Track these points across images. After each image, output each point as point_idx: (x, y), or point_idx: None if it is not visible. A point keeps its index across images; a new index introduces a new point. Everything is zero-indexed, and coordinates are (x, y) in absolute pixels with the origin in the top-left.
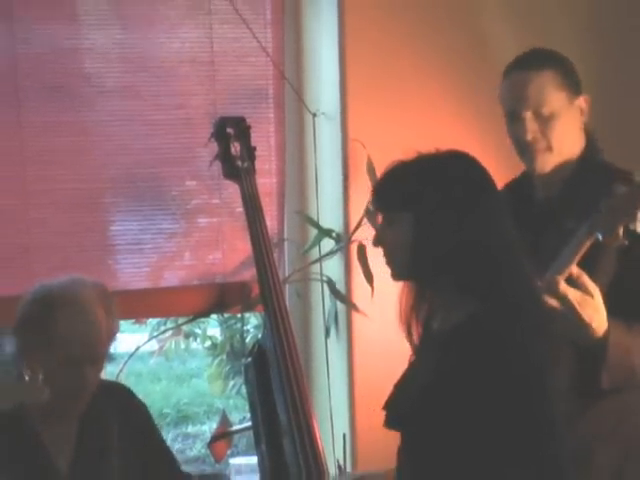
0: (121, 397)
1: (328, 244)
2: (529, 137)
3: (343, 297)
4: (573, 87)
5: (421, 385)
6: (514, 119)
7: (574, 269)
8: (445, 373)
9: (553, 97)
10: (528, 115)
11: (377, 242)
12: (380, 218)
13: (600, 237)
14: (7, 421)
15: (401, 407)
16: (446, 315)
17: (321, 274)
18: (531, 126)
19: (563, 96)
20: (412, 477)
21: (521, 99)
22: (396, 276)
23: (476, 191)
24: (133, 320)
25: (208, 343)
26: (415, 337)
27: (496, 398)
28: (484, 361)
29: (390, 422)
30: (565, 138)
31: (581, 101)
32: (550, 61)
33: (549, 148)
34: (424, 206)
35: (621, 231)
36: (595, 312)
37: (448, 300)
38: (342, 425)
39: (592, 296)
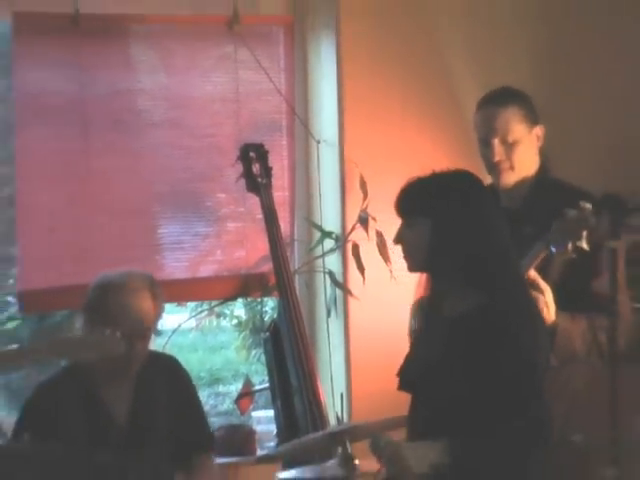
0: (168, 364)
1: (329, 243)
2: (496, 159)
3: (341, 285)
4: (532, 119)
5: (432, 358)
6: (485, 144)
7: (531, 273)
8: (456, 350)
9: (516, 128)
10: (496, 142)
11: (397, 240)
12: (401, 221)
13: (553, 251)
14: (72, 381)
15: (413, 374)
16: (454, 303)
17: (323, 267)
18: (498, 150)
19: (523, 127)
20: (423, 427)
21: (491, 129)
22: (412, 269)
23: (479, 201)
24: (176, 303)
25: (235, 321)
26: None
27: (496, 368)
28: (490, 343)
29: (403, 386)
30: (524, 160)
31: (537, 130)
32: (514, 98)
33: (512, 167)
34: (439, 213)
35: (570, 247)
36: (546, 306)
37: (455, 291)
38: (340, 386)
39: (544, 294)
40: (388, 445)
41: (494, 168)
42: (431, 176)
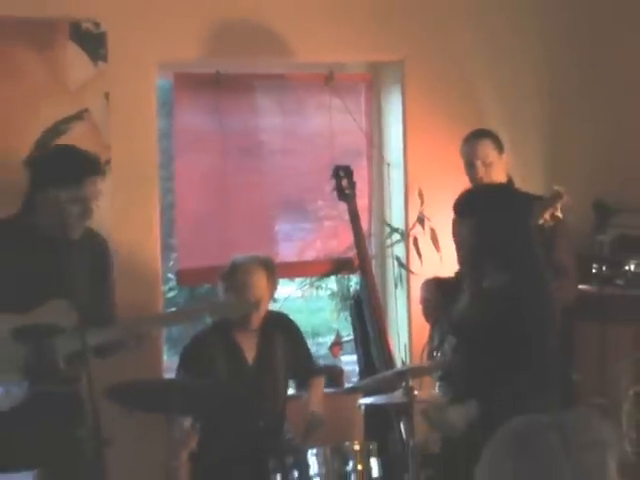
0: (283, 319)
1: (396, 237)
2: (479, 175)
3: (404, 266)
4: (501, 150)
5: (473, 316)
6: (470, 165)
7: None
8: (490, 312)
9: (491, 154)
10: (478, 163)
11: (454, 235)
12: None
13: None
14: (217, 333)
15: (459, 326)
16: (491, 280)
17: (392, 253)
18: (480, 169)
19: (496, 154)
20: (465, 363)
21: (474, 155)
22: (461, 257)
23: (510, 208)
24: (287, 279)
25: (329, 292)
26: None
27: (518, 325)
28: (512, 308)
29: (452, 333)
30: (497, 177)
31: (504, 157)
32: (489, 135)
33: (489, 182)
34: (484, 216)
35: (548, 216)
36: None
37: (492, 271)
38: (404, 338)
39: None
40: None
41: (477, 182)
42: (479, 188)
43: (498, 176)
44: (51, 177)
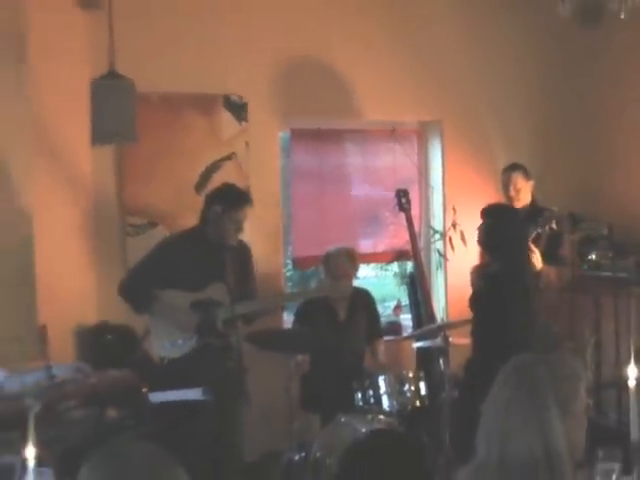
0: (363, 292)
1: (437, 236)
2: (511, 195)
3: (442, 255)
4: (528, 178)
5: (481, 294)
6: (506, 189)
7: (529, 243)
8: (491, 290)
9: (520, 182)
10: (511, 188)
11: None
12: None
13: (539, 230)
14: (321, 302)
15: (473, 301)
16: (495, 265)
17: (435, 246)
18: (512, 192)
19: (524, 181)
20: (480, 330)
21: (509, 182)
22: (481, 247)
23: (508, 218)
24: (365, 264)
25: (393, 273)
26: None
27: (510, 298)
28: (510, 282)
29: (470, 306)
30: (524, 197)
31: (530, 183)
32: (520, 167)
33: (518, 200)
34: (495, 221)
35: (547, 227)
36: (536, 260)
37: (496, 260)
38: (442, 303)
39: (535, 254)
40: None
41: (511, 200)
42: (490, 205)
43: (525, 196)
44: (220, 204)
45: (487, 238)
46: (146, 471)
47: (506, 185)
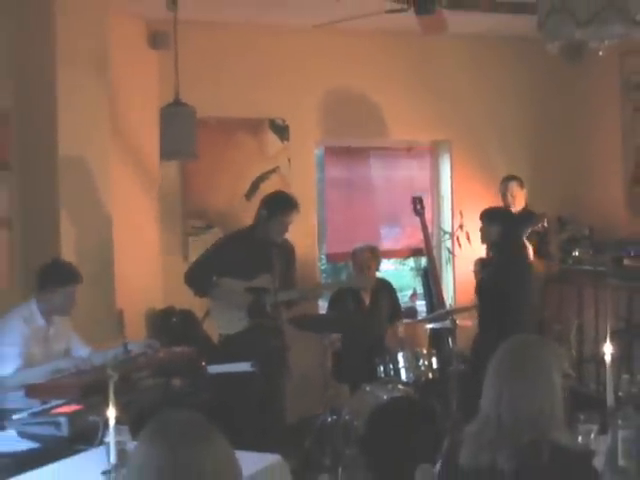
0: (385, 282)
1: (446, 236)
2: (508, 202)
3: (451, 252)
4: (522, 186)
5: (484, 283)
6: (504, 196)
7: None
8: (492, 278)
9: (515, 190)
10: (508, 195)
11: (480, 232)
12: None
13: (536, 223)
14: (350, 291)
15: (479, 289)
16: (495, 259)
17: (445, 246)
18: (509, 199)
19: (519, 190)
20: (484, 312)
21: (506, 190)
22: (486, 247)
23: (504, 220)
24: (386, 259)
25: (410, 267)
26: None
27: (508, 285)
28: (502, 274)
29: (476, 293)
30: (519, 202)
31: (524, 191)
32: (515, 178)
33: (514, 205)
34: (498, 223)
35: (540, 226)
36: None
37: (495, 255)
38: (450, 292)
39: (529, 248)
40: None
41: (508, 205)
42: (494, 208)
43: (520, 202)
44: (271, 209)
45: (486, 236)
46: (188, 438)
47: (504, 193)
